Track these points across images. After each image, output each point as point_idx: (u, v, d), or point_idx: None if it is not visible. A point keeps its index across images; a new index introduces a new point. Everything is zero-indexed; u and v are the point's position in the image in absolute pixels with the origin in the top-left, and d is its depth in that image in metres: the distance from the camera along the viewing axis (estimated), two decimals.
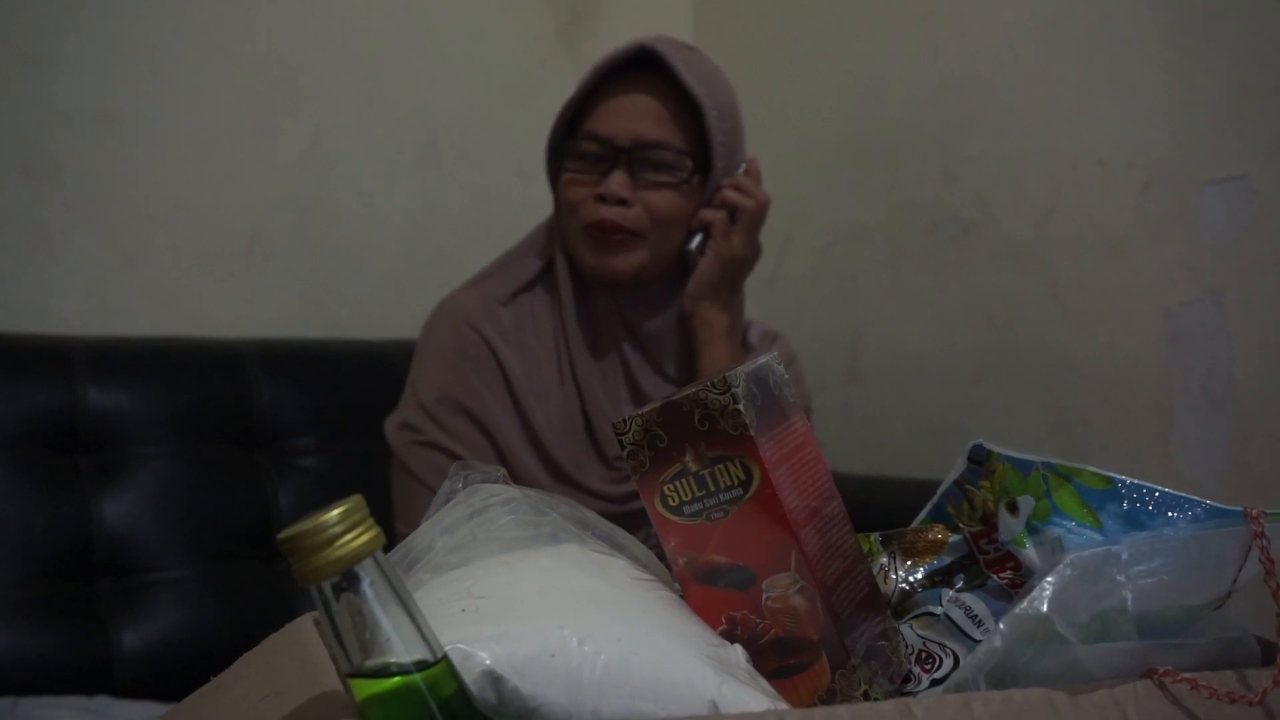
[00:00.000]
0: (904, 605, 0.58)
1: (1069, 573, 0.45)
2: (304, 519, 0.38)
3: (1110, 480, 0.53)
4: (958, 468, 0.61)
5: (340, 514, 0.38)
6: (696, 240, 1.30)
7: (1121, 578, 0.45)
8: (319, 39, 1.85)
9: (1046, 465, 0.55)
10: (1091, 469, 0.54)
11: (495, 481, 0.56)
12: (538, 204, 2.02)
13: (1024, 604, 0.45)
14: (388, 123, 1.92)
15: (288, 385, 1.65)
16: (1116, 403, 1.59)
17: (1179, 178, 1.51)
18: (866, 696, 0.56)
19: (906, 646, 0.57)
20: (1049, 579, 0.45)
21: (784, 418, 0.60)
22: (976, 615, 0.55)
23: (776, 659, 0.56)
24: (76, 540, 1.44)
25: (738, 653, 0.52)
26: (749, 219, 1.30)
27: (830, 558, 0.57)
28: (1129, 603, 0.44)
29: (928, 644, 0.56)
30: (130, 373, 1.55)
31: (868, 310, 1.92)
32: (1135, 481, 0.53)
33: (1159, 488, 0.53)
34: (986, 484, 0.58)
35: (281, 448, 1.62)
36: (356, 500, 0.38)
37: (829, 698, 0.56)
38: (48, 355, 1.50)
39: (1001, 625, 0.44)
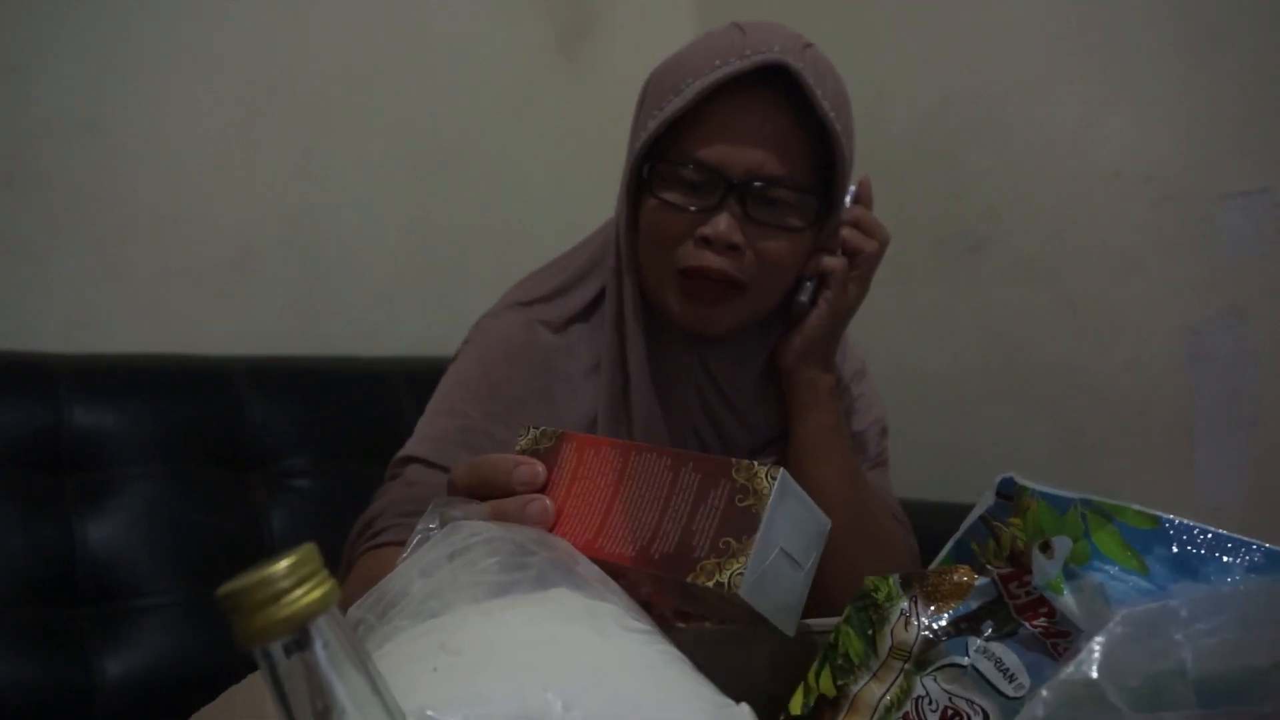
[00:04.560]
0: (926, 655, 0.53)
1: (1120, 630, 0.40)
2: (247, 572, 0.33)
3: (1156, 519, 0.48)
4: (984, 502, 0.56)
5: (289, 565, 0.33)
6: (809, 290, 1.09)
7: (1180, 636, 0.39)
8: (312, 48, 1.81)
9: (1085, 502, 0.49)
10: (1135, 507, 0.49)
11: (477, 519, 0.51)
12: (535, 218, 2.00)
13: (1070, 668, 0.40)
14: (382, 134, 1.88)
15: (279, 403, 1.61)
16: (1133, 424, 1.54)
17: (1198, 191, 1.47)
18: (721, 587, 0.57)
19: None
20: (1098, 639, 0.40)
21: (554, 461, 0.67)
22: (1007, 668, 0.50)
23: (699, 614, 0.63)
24: (59, 564, 1.39)
25: (744, 713, 0.47)
26: (870, 263, 1.10)
27: (641, 515, 0.61)
28: (1188, 665, 0.39)
29: (954, 700, 0.51)
30: (116, 390, 1.50)
31: (874, 328, 1.87)
32: (1184, 522, 0.48)
33: (1210, 528, 0.48)
34: (1017, 521, 0.53)
35: (272, 468, 1.57)
36: (308, 550, 0.34)
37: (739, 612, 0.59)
38: (30, 372, 1.46)
39: (1044, 691, 0.39)
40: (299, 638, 0.33)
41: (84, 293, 1.64)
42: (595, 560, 0.60)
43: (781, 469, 0.61)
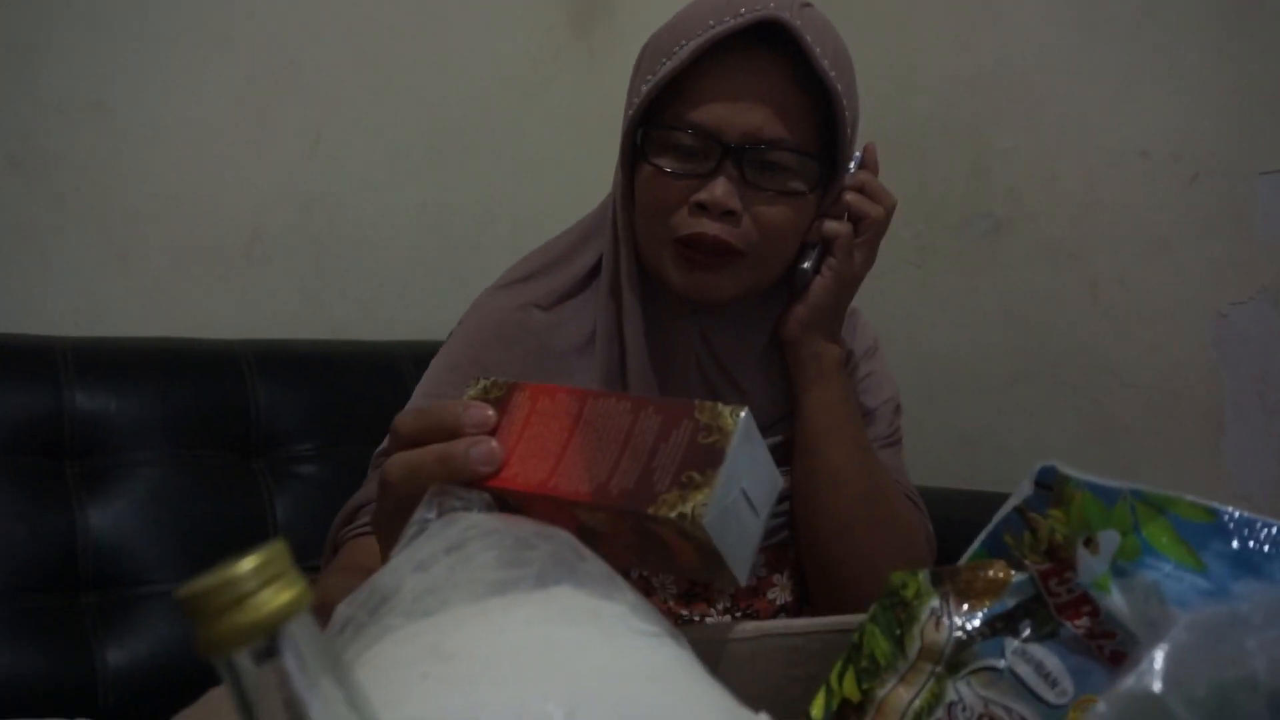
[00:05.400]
0: (959, 658, 0.49)
1: (1185, 638, 0.36)
2: (210, 572, 0.30)
3: (1213, 512, 0.44)
4: (1020, 492, 0.52)
5: (256, 565, 0.30)
6: (813, 258, 1.04)
7: (1252, 644, 0.36)
8: (323, 28, 1.78)
9: (1135, 493, 0.46)
10: (1190, 498, 0.45)
11: (476, 510, 0.48)
12: (548, 200, 1.96)
13: (1130, 679, 0.36)
14: (394, 116, 1.84)
15: (287, 388, 1.58)
16: (1162, 410, 1.50)
17: (1230, 169, 1.42)
18: (683, 519, 0.56)
19: (964, 708, 0.50)
20: (1162, 647, 0.36)
21: (505, 410, 0.64)
22: (1049, 672, 0.46)
23: (648, 556, 0.60)
24: (61, 551, 1.36)
25: None
26: (876, 229, 1.04)
27: (599, 454, 0.60)
28: (1260, 675, 0.35)
29: (990, 706, 0.47)
30: (120, 374, 1.47)
31: (894, 311, 1.83)
32: (1244, 514, 0.44)
33: (1274, 521, 0.44)
34: (1056, 512, 0.49)
35: (279, 454, 1.55)
36: (277, 548, 0.30)
37: (696, 550, 0.58)
38: (31, 355, 1.43)
39: (1101, 705, 0.36)
40: (266, 645, 0.30)
41: (91, 276, 1.61)
42: (548, 498, 0.60)
43: (746, 408, 0.60)
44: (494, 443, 0.63)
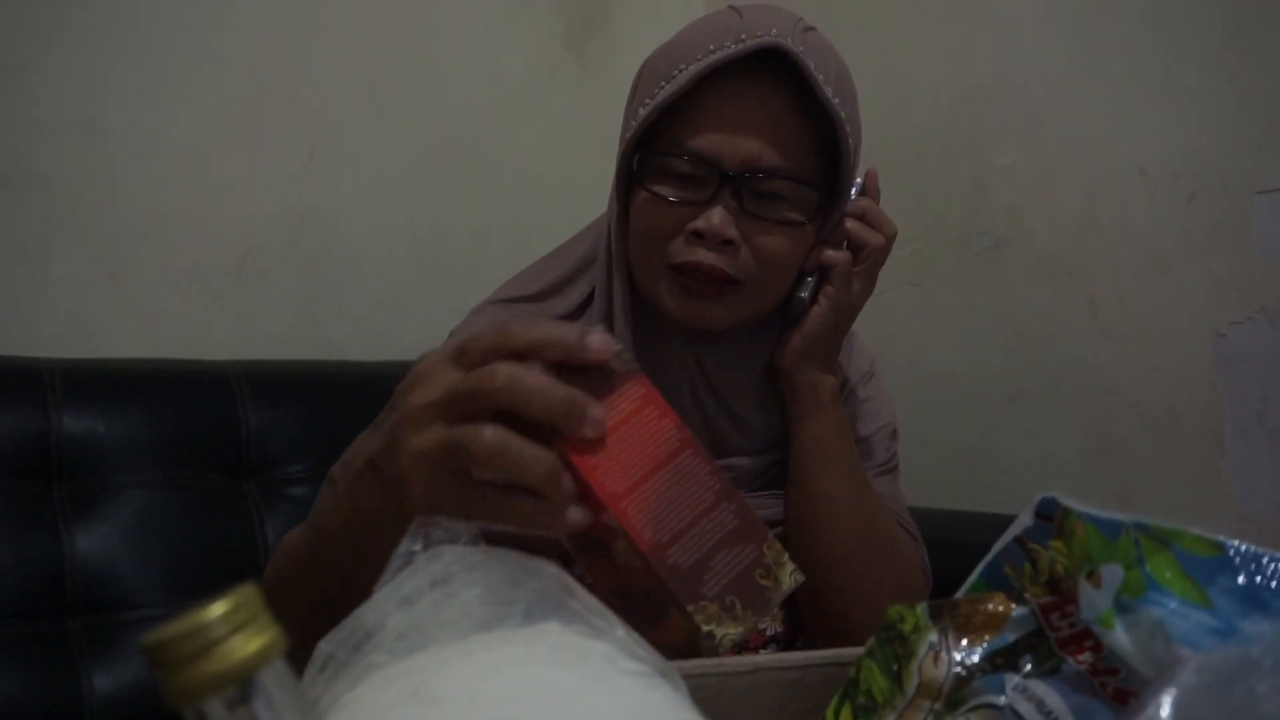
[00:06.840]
0: (959, 694, 0.48)
1: (1194, 681, 0.35)
2: (176, 619, 0.28)
3: (1220, 545, 0.43)
4: (1020, 522, 0.51)
5: (225, 611, 0.28)
6: (810, 286, 1.02)
7: (1263, 689, 0.35)
8: (317, 45, 1.77)
9: (1139, 526, 0.44)
10: (1195, 531, 0.44)
11: (462, 542, 0.47)
12: (545, 217, 1.95)
13: None
14: (389, 133, 1.84)
15: (278, 409, 1.56)
16: (1162, 429, 1.49)
17: (1229, 187, 1.42)
18: (711, 637, 0.58)
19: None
20: (1169, 691, 0.35)
21: (610, 389, 0.61)
22: (1051, 710, 0.44)
23: (638, 609, 0.60)
24: (48, 575, 1.35)
25: None
26: (875, 257, 1.03)
27: (672, 510, 0.60)
28: None
29: None
30: (107, 395, 1.46)
31: (893, 330, 1.82)
32: (1251, 548, 0.43)
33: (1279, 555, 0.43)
34: (1058, 544, 0.48)
35: (271, 476, 1.53)
36: (247, 592, 0.29)
37: (686, 644, 0.59)
38: (18, 376, 1.41)
39: None
40: (236, 695, 0.29)
41: (83, 296, 1.60)
42: (608, 513, 0.59)
43: (802, 577, 0.63)
44: (603, 414, 0.59)
